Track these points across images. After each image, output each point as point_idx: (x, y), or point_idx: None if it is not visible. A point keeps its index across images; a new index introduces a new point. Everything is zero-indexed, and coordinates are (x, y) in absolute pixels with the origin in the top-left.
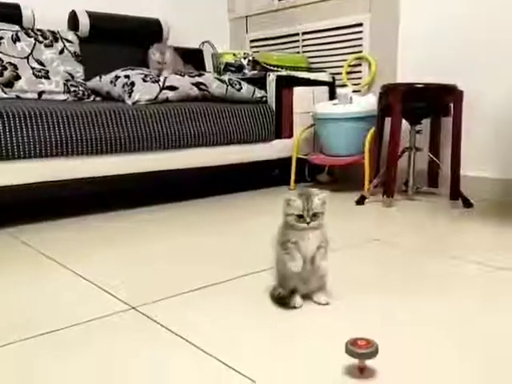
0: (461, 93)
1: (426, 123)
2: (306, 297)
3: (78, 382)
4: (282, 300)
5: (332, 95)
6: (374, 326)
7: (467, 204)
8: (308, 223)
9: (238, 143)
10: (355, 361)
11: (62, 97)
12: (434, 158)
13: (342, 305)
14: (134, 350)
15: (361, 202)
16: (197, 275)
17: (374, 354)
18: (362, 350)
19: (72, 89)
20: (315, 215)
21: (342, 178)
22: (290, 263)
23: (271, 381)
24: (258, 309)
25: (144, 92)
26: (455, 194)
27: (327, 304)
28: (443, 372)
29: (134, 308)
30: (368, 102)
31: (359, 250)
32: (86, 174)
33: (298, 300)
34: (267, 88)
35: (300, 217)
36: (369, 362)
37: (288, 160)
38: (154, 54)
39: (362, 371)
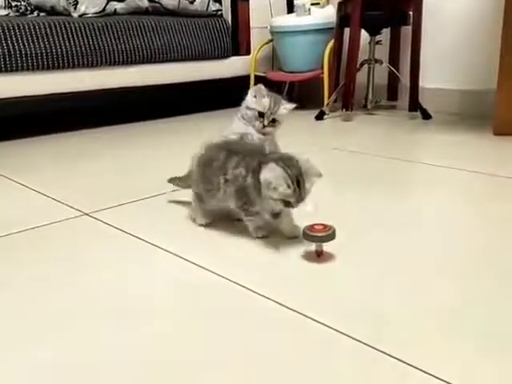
0: (420, 0)
1: (385, 36)
2: None
3: (37, 283)
4: None
5: (290, 8)
6: (331, 216)
7: (426, 116)
8: (264, 126)
9: (192, 60)
10: (313, 246)
11: (3, 12)
12: (394, 70)
13: None
14: (89, 245)
15: (320, 117)
16: (144, 186)
17: (330, 237)
18: (318, 234)
19: (13, 3)
20: (274, 121)
21: (303, 97)
22: None
23: (223, 267)
24: None
25: (90, 3)
26: (414, 106)
27: None
28: (396, 255)
29: (86, 214)
30: (327, 14)
31: (317, 157)
32: (31, 92)
33: None
34: (222, 0)
35: (260, 115)
36: (326, 247)
37: (246, 78)
38: None
39: (320, 255)
